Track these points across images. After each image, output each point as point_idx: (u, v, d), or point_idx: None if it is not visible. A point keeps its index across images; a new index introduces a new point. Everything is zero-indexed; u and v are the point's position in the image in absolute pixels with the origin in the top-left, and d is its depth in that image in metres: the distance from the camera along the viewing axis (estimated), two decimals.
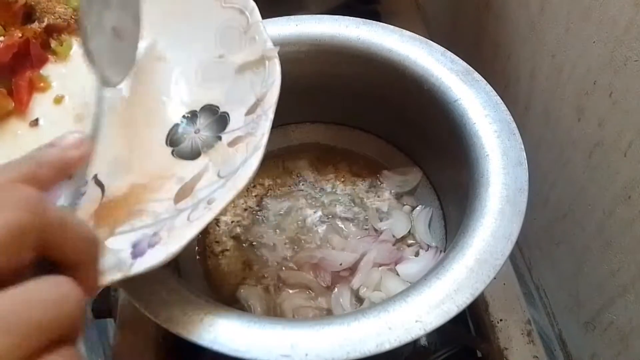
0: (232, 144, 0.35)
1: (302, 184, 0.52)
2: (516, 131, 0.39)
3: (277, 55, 0.35)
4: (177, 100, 0.38)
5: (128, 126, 0.37)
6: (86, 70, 0.39)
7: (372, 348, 0.30)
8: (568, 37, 0.46)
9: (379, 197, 0.51)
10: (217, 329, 0.31)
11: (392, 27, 0.45)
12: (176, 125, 0.37)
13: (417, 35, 0.45)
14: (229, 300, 0.45)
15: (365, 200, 0.51)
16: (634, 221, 0.42)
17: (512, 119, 0.39)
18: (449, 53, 0.43)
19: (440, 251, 0.46)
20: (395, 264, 0.46)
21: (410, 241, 0.48)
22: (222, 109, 0.37)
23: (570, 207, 0.51)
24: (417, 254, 0.47)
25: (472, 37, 0.68)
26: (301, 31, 0.46)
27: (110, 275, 0.29)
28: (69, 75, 0.39)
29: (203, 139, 0.36)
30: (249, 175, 0.31)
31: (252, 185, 0.52)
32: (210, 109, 0.37)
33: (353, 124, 0.54)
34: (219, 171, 0.34)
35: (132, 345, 0.45)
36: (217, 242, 0.49)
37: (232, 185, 0.31)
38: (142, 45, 0.39)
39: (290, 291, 0.45)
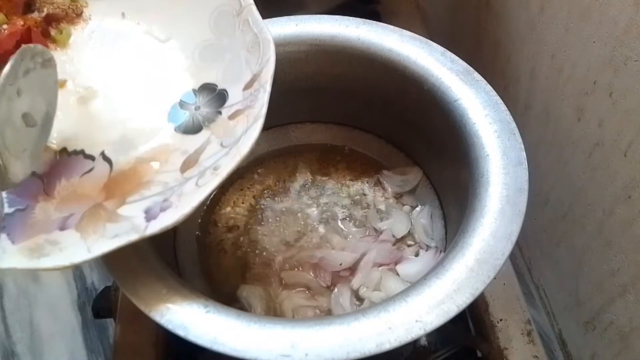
0: (232, 117, 0.36)
1: (302, 184, 0.52)
2: (516, 131, 0.39)
3: (270, 34, 0.36)
4: (175, 80, 0.40)
5: (131, 106, 0.39)
6: (85, 56, 0.40)
7: (372, 348, 0.30)
8: (568, 37, 0.46)
9: (379, 197, 0.51)
10: (217, 329, 0.31)
11: (392, 27, 0.45)
12: (176, 103, 0.39)
13: (417, 35, 0.45)
14: (229, 299, 0.45)
15: (365, 200, 0.51)
16: (634, 221, 0.42)
17: (512, 119, 0.39)
18: (449, 53, 0.43)
19: (440, 251, 0.46)
20: (395, 264, 0.46)
21: (410, 241, 0.48)
22: (220, 87, 0.39)
23: (570, 207, 0.51)
24: (417, 254, 0.47)
25: (472, 37, 0.68)
26: (301, 31, 0.46)
27: (126, 237, 0.30)
28: (69, 62, 0.40)
29: (203, 114, 0.38)
30: (251, 142, 0.33)
31: (252, 184, 0.53)
32: (209, 87, 0.39)
33: (353, 124, 0.54)
34: (221, 142, 0.35)
35: (132, 345, 0.46)
36: (217, 241, 0.49)
37: (235, 152, 0.33)
38: (140, 29, 0.41)
39: (290, 291, 0.45)
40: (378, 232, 0.48)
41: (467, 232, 0.34)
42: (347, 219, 0.50)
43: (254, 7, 0.38)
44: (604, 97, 0.43)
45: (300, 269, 0.46)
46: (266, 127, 0.54)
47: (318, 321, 0.31)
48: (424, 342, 0.47)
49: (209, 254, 0.48)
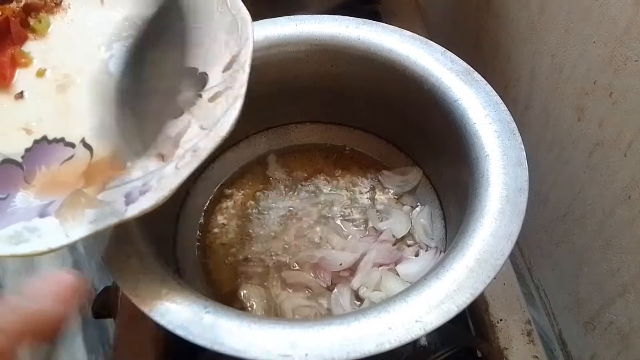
0: (212, 99, 0.36)
1: (302, 184, 0.52)
2: (516, 131, 0.39)
3: (249, 16, 0.37)
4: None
5: (111, 92, 0.39)
6: (65, 45, 0.41)
7: (372, 348, 0.30)
8: (568, 37, 0.46)
9: (378, 197, 0.51)
10: (217, 329, 0.31)
11: (392, 27, 0.45)
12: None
13: (417, 35, 0.45)
14: (229, 299, 0.45)
15: (365, 200, 0.51)
16: (634, 221, 0.42)
17: (512, 119, 0.39)
18: (449, 53, 0.43)
19: (440, 251, 0.46)
20: (395, 264, 0.46)
21: (410, 241, 0.48)
22: (200, 70, 0.39)
23: (570, 207, 0.51)
24: (417, 254, 0.47)
25: (472, 37, 0.68)
26: (301, 31, 0.46)
27: (105, 221, 0.30)
28: (48, 51, 0.41)
29: (184, 98, 0.38)
30: (230, 122, 0.33)
31: (252, 184, 0.53)
32: (189, 72, 0.39)
33: (353, 124, 0.54)
34: (201, 125, 0.35)
35: (132, 345, 0.46)
36: (217, 241, 0.49)
37: (215, 134, 0.33)
38: (120, 15, 0.41)
39: (290, 291, 0.45)
40: (378, 232, 0.48)
41: (467, 232, 0.34)
42: (347, 219, 0.50)
43: None
44: (604, 97, 0.43)
45: (300, 269, 0.46)
46: (266, 127, 0.55)
47: (318, 321, 0.31)
48: (424, 342, 0.47)
49: (209, 255, 0.48)
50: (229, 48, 0.37)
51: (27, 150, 0.37)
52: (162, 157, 0.35)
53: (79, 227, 0.31)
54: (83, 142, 0.37)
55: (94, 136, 0.37)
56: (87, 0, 0.42)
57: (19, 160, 0.36)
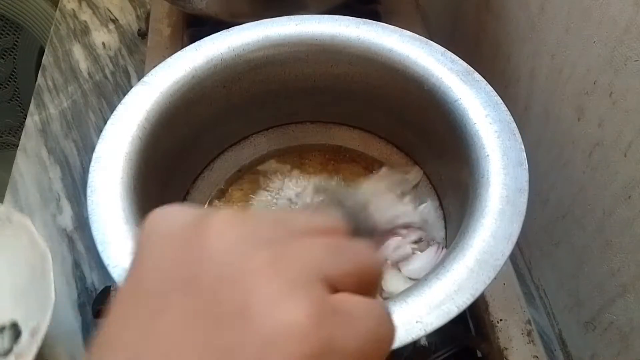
0: (17, 357, 0.43)
1: (302, 184, 0.52)
2: (516, 131, 0.38)
3: (53, 295, 0.42)
4: None
5: None
6: None
7: None
8: (568, 37, 0.46)
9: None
10: None
11: (392, 27, 0.45)
12: None
13: (417, 35, 0.44)
14: None
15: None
16: (634, 221, 0.42)
17: (512, 119, 0.39)
18: (449, 53, 0.43)
19: (442, 247, 0.45)
20: (398, 262, 0.46)
21: (412, 238, 0.48)
22: (20, 326, 0.45)
23: (570, 207, 0.51)
24: (419, 251, 0.47)
25: (472, 37, 0.68)
26: (301, 31, 0.46)
27: None
28: None
29: (5, 348, 0.45)
30: None
31: (252, 184, 0.52)
32: (14, 326, 0.46)
33: (353, 124, 0.54)
34: None
35: None
36: None
37: None
38: None
39: None
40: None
41: (467, 233, 0.34)
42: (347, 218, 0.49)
43: (50, 266, 0.44)
44: (604, 97, 0.43)
45: None
46: (266, 127, 0.55)
47: None
48: (424, 342, 0.47)
49: None
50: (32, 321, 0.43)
51: None
52: None
53: None
54: None
55: None
56: None
57: None
